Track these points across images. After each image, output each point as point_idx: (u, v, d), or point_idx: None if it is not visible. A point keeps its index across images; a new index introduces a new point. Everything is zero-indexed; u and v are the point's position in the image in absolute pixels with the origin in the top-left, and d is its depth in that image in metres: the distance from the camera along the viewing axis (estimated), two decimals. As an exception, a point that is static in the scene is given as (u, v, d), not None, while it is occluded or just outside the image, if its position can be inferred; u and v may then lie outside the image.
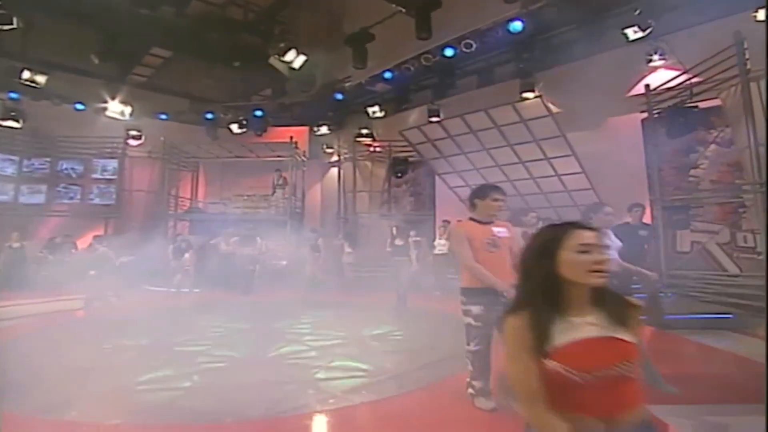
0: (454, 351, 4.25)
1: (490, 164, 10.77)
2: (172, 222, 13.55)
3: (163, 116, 13.42)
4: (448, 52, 8.67)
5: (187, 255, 10.02)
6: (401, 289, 7.69)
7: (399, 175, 13.17)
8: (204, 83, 12.92)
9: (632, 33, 7.64)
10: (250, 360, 5.08)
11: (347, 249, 10.95)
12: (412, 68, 9.26)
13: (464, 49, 8.37)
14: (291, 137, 13.01)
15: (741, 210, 8.34)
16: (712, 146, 8.55)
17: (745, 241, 8.28)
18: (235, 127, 12.70)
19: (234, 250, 10.39)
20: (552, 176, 10.08)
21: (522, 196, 11.20)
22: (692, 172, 8.89)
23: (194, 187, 14.80)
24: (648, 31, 7.53)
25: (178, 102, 13.54)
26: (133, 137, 12.54)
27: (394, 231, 8.00)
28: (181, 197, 14.18)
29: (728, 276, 8.38)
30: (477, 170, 11.12)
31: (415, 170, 13.91)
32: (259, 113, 12.83)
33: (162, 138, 13.16)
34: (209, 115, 12.89)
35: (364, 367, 4.69)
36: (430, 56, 8.84)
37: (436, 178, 13.26)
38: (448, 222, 10.80)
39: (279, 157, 13.58)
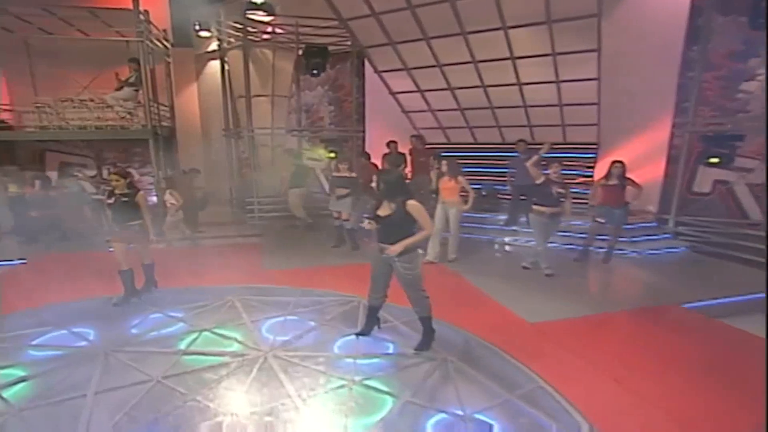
0: None
1: (461, 60, 7.20)
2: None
3: None
4: None
5: None
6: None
7: (314, 72, 9.00)
8: None
9: None
10: None
11: (171, 201, 7.20)
12: None
13: None
14: (136, 3, 7.89)
15: (792, 140, 6.24)
16: (784, 47, 6.02)
17: (783, 182, 6.35)
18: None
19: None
20: (551, 82, 6.94)
21: (492, 108, 8.06)
22: (744, 86, 6.40)
23: (-17, 86, 9.17)
24: None
25: None
26: None
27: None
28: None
29: (749, 225, 6.52)
30: (440, 67, 7.50)
31: (337, 66, 9.91)
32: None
33: None
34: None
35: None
36: None
37: (367, 77, 9.45)
38: (419, 137, 7.46)
39: (121, 36, 8.50)
